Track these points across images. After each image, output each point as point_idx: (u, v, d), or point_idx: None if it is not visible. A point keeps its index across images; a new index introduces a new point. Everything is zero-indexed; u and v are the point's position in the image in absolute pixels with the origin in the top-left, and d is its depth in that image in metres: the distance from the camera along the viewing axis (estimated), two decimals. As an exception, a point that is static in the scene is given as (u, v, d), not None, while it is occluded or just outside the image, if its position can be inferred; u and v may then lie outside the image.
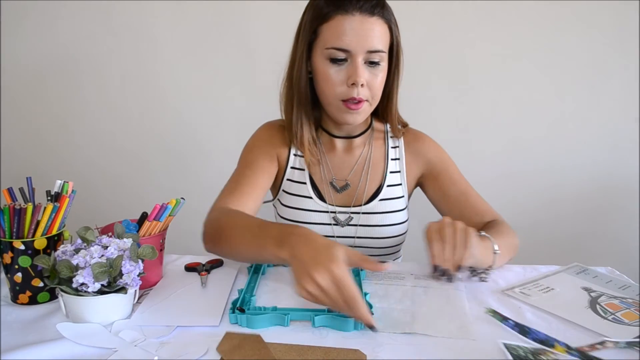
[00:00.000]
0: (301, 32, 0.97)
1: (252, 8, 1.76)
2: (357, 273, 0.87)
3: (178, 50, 1.82)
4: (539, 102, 1.82)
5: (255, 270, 0.88)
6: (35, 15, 1.79)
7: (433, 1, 1.73)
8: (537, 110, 1.83)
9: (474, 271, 0.87)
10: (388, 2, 0.96)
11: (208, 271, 0.89)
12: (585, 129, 1.84)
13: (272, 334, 0.68)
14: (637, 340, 0.67)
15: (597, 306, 0.78)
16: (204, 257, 0.96)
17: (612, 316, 0.75)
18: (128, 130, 1.90)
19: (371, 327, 0.67)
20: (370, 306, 0.73)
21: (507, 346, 0.65)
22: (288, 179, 1.08)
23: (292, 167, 1.08)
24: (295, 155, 1.08)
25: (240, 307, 0.73)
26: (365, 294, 0.78)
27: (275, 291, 0.82)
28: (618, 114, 1.82)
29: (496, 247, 0.87)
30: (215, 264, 0.92)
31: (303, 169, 1.07)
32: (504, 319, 0.71)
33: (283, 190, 1.09)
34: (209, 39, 1.80)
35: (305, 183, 1.07)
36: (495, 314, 0.72)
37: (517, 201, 1.90)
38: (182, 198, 0.86)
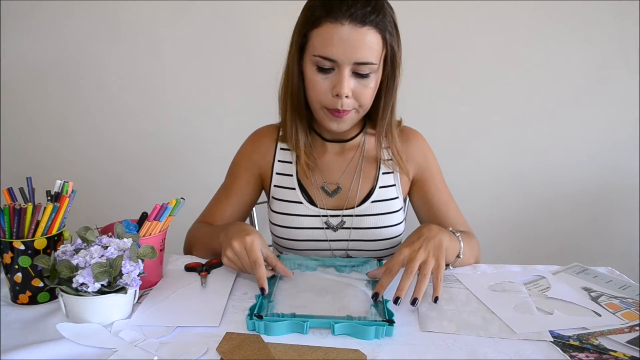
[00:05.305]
0: (294, 33, 0.95)
1: (252, 8, 1.76)
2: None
3: (178, 50, 1.82)
4: (539, 102, 1.82)
5: (273, 275, 0.85)
6: (35, 15, 1.79)
7: (434, 1, 1.73)
8: (537, 110, 1.83)
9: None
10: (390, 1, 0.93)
11: (208, 271, 0.89)
12: (585, 129, 1.84)
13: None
14: (637, 340, 0.67)
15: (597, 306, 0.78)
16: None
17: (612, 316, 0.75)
18: (128, 130, 1.90)
19: (262, 290, 0.77)
20: (386, 302, 0.73)
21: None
22: (275, 185, 1.06)
23: (277, 173, 1.06)
24: (279, 161, 1.06)
25: (258, 313, 0.70)
26: (386, 302, 0.74)
27: (293, 296, 0.79)
28: (618, 114, 1.82)
29: (461, 251, 0.91)
30: (215, 264, 0.92)
31: (291, 175, 1.05)
32: None
33: (273, 197, 1.06)
34: (209, 39, 1.80)
35: (294, 188, 1.04)
36: None
37: (517, 201, 1.90)
38: (182, 198, 0.86)
